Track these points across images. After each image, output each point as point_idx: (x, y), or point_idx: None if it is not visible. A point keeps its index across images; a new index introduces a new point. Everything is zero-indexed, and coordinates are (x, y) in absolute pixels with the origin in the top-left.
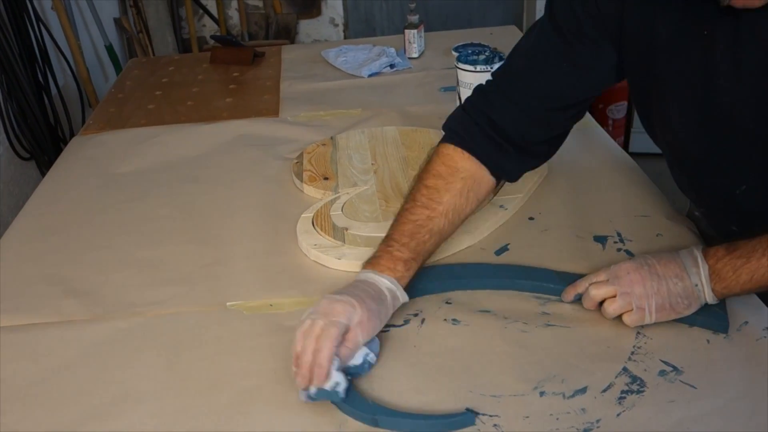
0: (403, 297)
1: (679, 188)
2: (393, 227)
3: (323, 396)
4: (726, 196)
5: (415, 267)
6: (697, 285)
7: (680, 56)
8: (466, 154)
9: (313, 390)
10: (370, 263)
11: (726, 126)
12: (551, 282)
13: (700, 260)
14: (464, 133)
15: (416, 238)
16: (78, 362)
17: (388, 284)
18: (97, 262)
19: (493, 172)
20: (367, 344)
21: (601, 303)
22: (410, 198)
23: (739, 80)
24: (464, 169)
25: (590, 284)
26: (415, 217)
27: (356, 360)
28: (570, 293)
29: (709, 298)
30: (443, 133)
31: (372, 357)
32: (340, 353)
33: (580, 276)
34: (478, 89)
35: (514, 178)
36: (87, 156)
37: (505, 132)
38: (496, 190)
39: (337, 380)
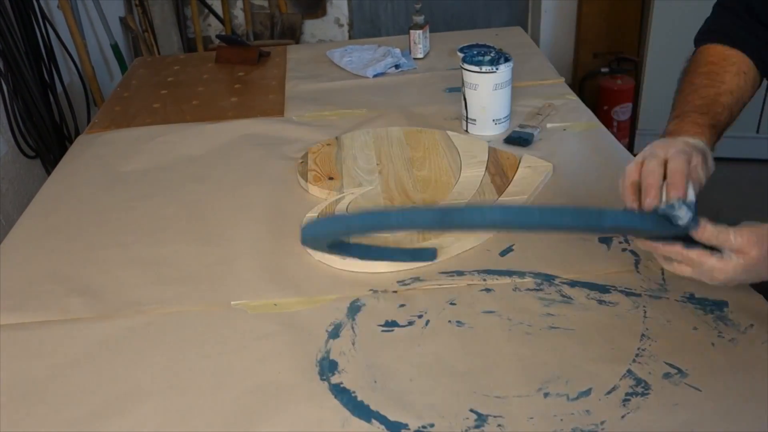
0: (712, 166)
1: None
2: (677, 108)
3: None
4: None
5: (714, 140)
6: None
7: None
8: (727, 47)
9: (663, 205)
10: (671, 133)
11: None
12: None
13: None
14: (725, 30)
15: (712, 110)
16: (82, 361)
17: (704, 147)
18: (102, 261)
19: (757, 64)
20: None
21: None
22: (687, 82)
23: None
24: (733, 55)
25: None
26: (703, 93)
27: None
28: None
29: None
30: (441, 131)
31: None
32: (674, 187)
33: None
34: None
35: None
36: (92, 154)
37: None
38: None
39: (691, 197)
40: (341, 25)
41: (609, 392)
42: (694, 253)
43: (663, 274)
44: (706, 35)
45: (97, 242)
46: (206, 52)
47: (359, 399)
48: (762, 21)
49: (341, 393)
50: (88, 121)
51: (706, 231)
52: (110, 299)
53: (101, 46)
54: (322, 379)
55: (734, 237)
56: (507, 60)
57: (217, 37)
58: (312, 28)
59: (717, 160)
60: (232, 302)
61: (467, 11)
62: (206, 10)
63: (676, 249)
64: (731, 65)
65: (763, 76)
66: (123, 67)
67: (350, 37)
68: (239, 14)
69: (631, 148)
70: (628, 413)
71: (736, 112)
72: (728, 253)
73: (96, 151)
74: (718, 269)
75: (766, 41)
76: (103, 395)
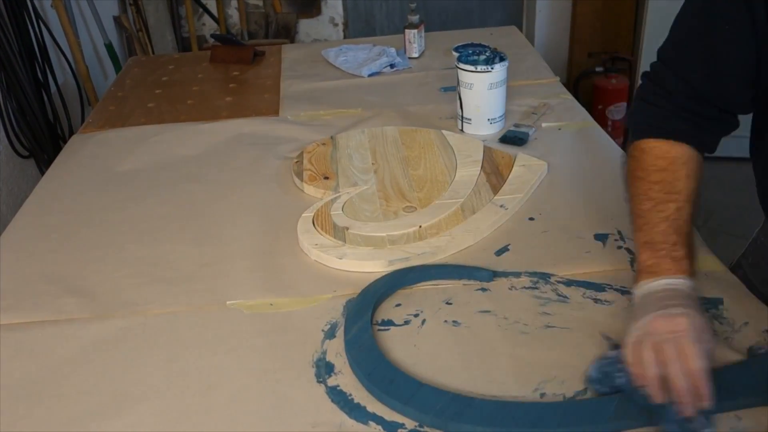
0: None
1: (759, 191)
2: (644, 232)
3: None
4: None
5: (693, 265)
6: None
7: None
8: (670, 141)
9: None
10: (651, 273)
11: None
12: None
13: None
14: (662, 124)
15: (681, 232)
16: (77, 361)
17: (691, 286)
18: (97, 261)
19: (697, 149)
20: None
21: None
22: (643, 194)
23: None
24: (679, 156)
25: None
26: (665, 214)
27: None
28: None
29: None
30: (437, 131)
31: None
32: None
33: None
34: (645, 76)
35: (714, 149)
36: (86, 154)
37: (698, 105)
38: None
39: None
40: (336, 25)
41: None
42: None
43: None
44: (643, 129)
45: (91, 242)
46: (201, 52)
47: (356, 401)
48: (684, 101)
49: (338, 396)
50: (83, 120)
51: None
52: (105, 299)
53: (95, 45)
54: (318, 382)
55: None
56: (502, 59)
57: (212, 36)
58: (307, 27)
59: (712, 159)
60: (228, 302)
61: (462, 11)
62: (201, 10)
63: None
64: (680, 167)
65: (707, 152)
66: (117, 66)
67: (345, 37)
68: (234, 13)
69: (625, 147)
70: None
71: (694, 213)
72: None
73: (90, 150)
74: None
75: (699, 124)
76: (99, 395)
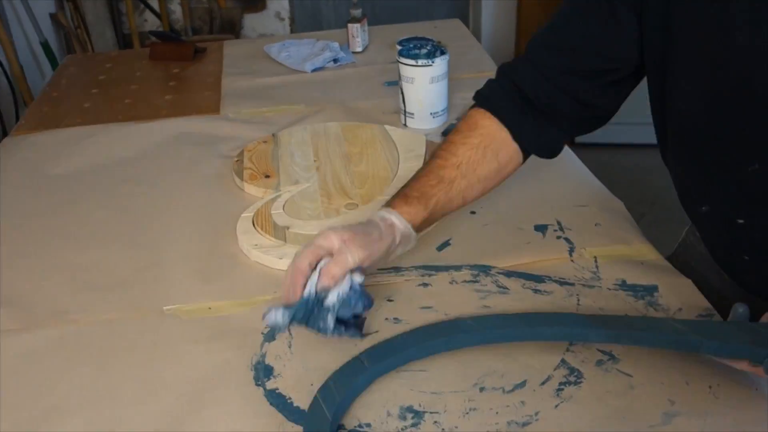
0: (402, 224)
1: (678, 194)
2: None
3: (301, 318)
4: (735, 177)
5: (419, 206)
6: None
7: (697, 4)
8: (488, 114)
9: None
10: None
11: (741, 91)
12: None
13: None
14: (489, 95)
15: (421, 181)
16: (6, 375)
17: (383, 214)
18: (28, 269)
19: (514, 136)
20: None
21: None
22: (438, 150)
23: (758, 38)
24: (484, 126)
25: None
26: (426, 170)
27: (343, 284)
28: None
29: None
30: (379, 126)
31: (358, 277)
32: (326, 273)
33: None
34: (517, 57)
35: (534, 147)
36: (19, 157)
37: (527, 96)
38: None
39: (307, 299)
40: (282, 20)
41: (543, 383)
42: None
43: (596, 262)
44: (477, 97)
45: (21, 249)
46: (140, 50)
47: (295, 404)
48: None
49: (276, 399)
50: (17, 122)
51: None
52: (35, 309)
53: (31, 44)
54: (257, 385)
55: None
56: (443, 53)
57: (150, 33)
58: (252, 22)
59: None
60: (165, 307)
61: (410, 5)
62: (142, 5)
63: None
64: (476, 136)
65: (526, 152)
66: (55, 65)
67: (292, 32)
68: (177, 9)
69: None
70: (561, 402)
71: (463, 185)
72: None
73: (22, 153)
74: None
75: (527, 115)
76: (29, 410)
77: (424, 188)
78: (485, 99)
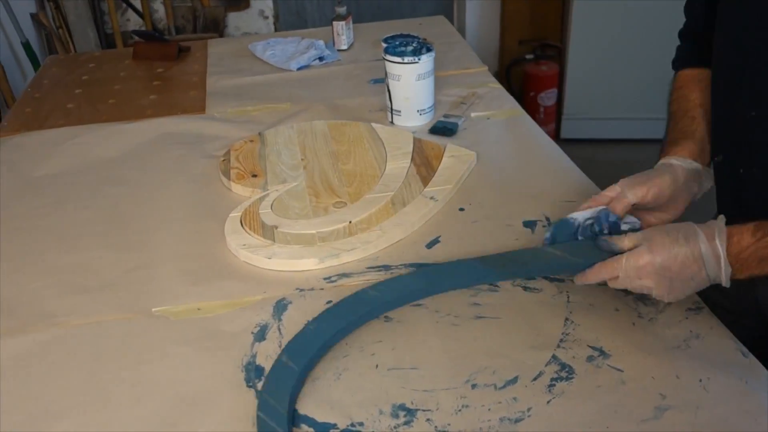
0: (678, 160)
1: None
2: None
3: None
4: (739, 124)
5: (686, 142)
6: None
7: None
8: (699, 69)
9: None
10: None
11: (756, 36)
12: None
13: (723, 260)
14: (685, 55)
15: (677, 128)
16: None
17: (681, 162)
18: (13, 272)
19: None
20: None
21: None
22: (669, 114)
23: None
24: (703, 75)
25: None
26: (673, 121)
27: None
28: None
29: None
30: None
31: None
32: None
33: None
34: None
35: None
36: (2, 160)
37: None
38: None
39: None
40: (266, 18)
41: (535, 379)
42: (612, 260)
43: None
44: (681, 61)
45: (6, 252)
46: (123, 49)
47: None
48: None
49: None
50: None
51: (626, 238)
52: (22, 312)
53: (11, 44)
54: (248, 386)
55: (628, 238)
56: (429, 50)
57: (133, 32)
58: (236, 20)
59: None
60: (153, 309)
61: (394, 2)
62: (124, 5)
63: (596, 268)
64: (699, 83)
65: None
66: (36, 66)
67: (276, 30)
68: (160, 8)
69: (557, 132)
70: (553, 398)
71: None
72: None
73: (5, 156)
74: (641, 263)
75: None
76: (17, 415)
77: (683, 130)
78: (684, 60)
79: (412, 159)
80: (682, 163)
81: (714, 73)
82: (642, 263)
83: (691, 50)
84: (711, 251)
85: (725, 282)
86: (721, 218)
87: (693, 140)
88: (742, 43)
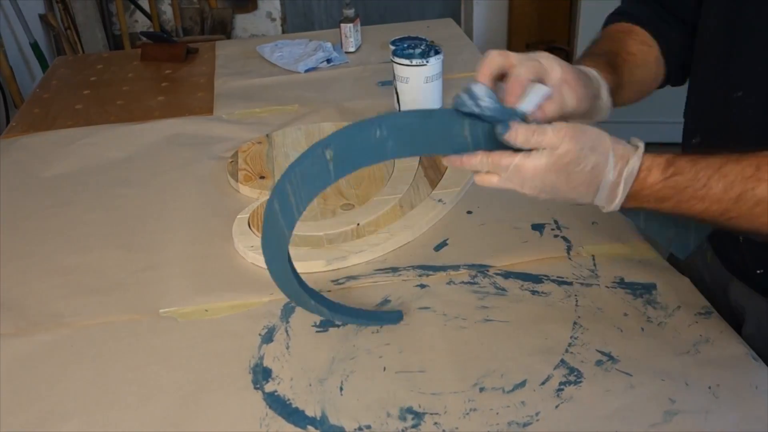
0: (607, 101)
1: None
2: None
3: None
4: (722, 105)
5: (610, 75)
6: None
7: None
8: (636, 26)
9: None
10: None
11: (752, 22)
12: None
13: (619, 198)
14: (634, 12)
15: (607, 54)
16: (1, 379)
17: (584, 68)
18: (21, 272)
19: (659, 43)
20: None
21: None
22: (587, 53)
23: None
24: (639, 31)
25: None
26: (603, 48)
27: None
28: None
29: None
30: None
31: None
32: (540, 108)
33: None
34: None
35: (678, 55)
36: (10, 160)
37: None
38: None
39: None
40: (273, 20)
41: (543, 383)
42: (496, 154)
43: (594, 260)
44: (614, 16)
45: (15, 252)
46: (131, 50)
47: (294, 406)
48: (672, 13)
49: (276, 401)
50: (7, 124)
51: (520, 130)
52: (30, 312)
53: (20, 45)
54: (255, 388)
55: (552, 132)
56: (437, 53)
57: (141, 34)
58: (244, 22)
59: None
60: (161, 310)
61: (401, 4)
62: (132, 6)
63: (479, 155)
64: (636, 36)
65: (667, 67)
66: (45, 66)
67: (283, 32)
68: (167, 9)
69: None
70: (561, 403)
71: (639, 79)
72: (539, 151)
73: (14, 156)
74: (526, 168)
75: (676, 29)
76: (25, 415)
77: (612, 59)
78: (633, 16)
79: (420, 161)
80: (601, 82)
81: (698, 55)
82: (530, 175)
83: (642, 10)
84: (611, 186)
85: (606, 211)
86: (641, 148)
87: (611, 68)
88: (734, 23)
